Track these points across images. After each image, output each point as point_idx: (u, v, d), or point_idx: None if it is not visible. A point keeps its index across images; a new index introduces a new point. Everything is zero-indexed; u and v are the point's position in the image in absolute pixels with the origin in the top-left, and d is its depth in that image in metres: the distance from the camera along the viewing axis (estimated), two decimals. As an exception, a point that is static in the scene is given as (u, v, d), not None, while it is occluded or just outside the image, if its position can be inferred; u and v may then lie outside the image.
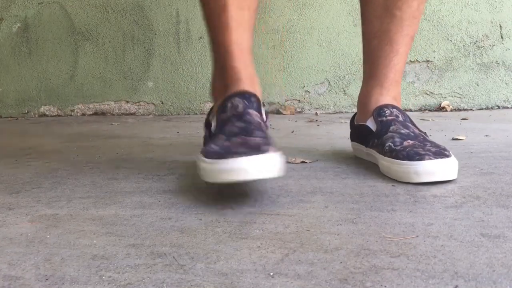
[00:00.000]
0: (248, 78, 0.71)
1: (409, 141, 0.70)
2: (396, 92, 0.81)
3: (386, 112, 0.77)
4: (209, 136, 0.69)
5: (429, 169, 0.64)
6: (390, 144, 0.71)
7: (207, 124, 0.74)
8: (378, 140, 0.75)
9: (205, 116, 0.81)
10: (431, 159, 0.64)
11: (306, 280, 0.38)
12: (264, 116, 0.70)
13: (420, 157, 0.65)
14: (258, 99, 0.69)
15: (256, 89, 0.71)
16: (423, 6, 0.79)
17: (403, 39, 0.79)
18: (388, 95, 0.80)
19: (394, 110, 0.77)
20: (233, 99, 0.67)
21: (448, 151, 0.67)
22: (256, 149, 0.55)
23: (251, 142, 0.57)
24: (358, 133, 0.83)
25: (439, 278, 0.37)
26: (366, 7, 0.81)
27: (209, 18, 0.74)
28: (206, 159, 0.57)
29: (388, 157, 0.70)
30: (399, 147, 0.69)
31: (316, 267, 0.40)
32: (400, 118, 0.76)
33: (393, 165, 0.68)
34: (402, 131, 0.73)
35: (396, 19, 0.78)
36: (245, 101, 0.67)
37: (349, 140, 0.89)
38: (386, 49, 0.80)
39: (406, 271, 0.39)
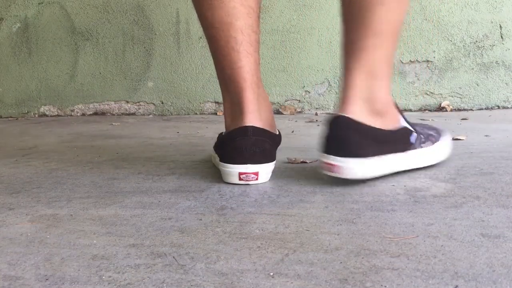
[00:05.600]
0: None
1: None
2: None
3: None
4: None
5: None
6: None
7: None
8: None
9: (205, 116, 0.80)
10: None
11: (306, 280, 0.38)
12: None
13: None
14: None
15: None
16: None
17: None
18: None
19: None
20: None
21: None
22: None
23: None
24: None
25: (439, 278, 0.37)
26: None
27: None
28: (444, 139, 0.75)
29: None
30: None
31: (316, 267, 0.40)
32: None
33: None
34: None
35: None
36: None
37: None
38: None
39: (406, 271, 0.39)
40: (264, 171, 0.68)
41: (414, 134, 0.71)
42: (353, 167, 0.63)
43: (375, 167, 0.65)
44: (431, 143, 0.74)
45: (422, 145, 0.73)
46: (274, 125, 0.76)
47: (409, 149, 0.70)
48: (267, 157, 0.69)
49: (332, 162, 0.64)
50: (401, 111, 0.73)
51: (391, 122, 0.69)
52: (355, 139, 0.64)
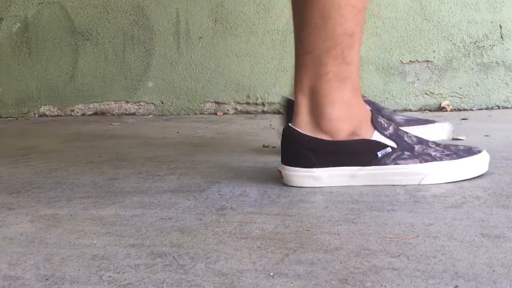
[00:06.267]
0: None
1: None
2: None
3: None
4: (395, 151, 0.67)
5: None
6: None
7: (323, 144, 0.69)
8: None
9: (205, 116, 0.80)
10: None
11: (306, 280, 0.38)
12: None
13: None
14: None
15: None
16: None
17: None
18: None
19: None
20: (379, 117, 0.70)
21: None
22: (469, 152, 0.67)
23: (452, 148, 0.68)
24: None
25: (439, 278, 0.37)
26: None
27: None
28: (449, 161, 0.66)
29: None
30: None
31: (316, 267, 0.40)
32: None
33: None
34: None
35: None
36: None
37: None
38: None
39: (406, 271, 0.38)
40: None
41: (387, 149, 0.67)
42: (291, 175, 0.67)
43: (317, 178, 0.67)
44: (420, 161, 0.66)
45: (400, 161, 0.66)
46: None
47: (374, 164, 0.67)
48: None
49: (279, 169, 0.69)
50: (380, 123, 0.69)
51: (349, 135, 0.68)
52: (296, 149, 0.67)
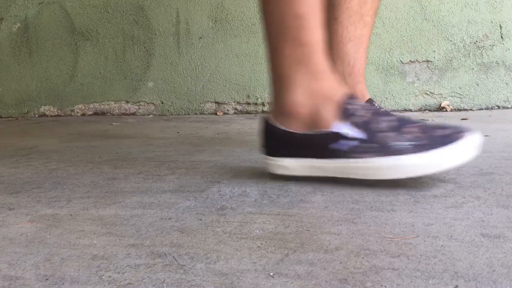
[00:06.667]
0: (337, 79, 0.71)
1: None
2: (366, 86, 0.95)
3: (376, 105, 0.88)
4: (360, 141, 0.63)
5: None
6: None
7: (285, 136, 0.69)
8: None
9: (205, 116, 0.81)
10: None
11: (306, 280, 0.38)
12: None
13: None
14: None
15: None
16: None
17: (369, 42, 0.94)
18: (366, 89, 0.93)
19: (377, 103, 0.90)
20: (355, 101, 0.67)
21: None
22: (450, 140, 0.60)
23: (435, 134, 0.62)
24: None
25: (439, 278, 0.37)
26: (341, 14, 0.91)
27: (285, 20, 0.68)
28: (413, 154, 0.61)
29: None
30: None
31: (316, 267, 0.40)
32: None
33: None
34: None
35: (368, 25, 0.92)
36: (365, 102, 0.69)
37: None
38: (361, 51, 0.92)
39: (406, 271, 0.39)
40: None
41: (348, 142, 0.64)
42: (270, 163, 0.71)
43: (289, 168, 0.68)
44: (384, 155, 0.62)
45: (361, 155, 0.63)
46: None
47: (330, 157, 0.65)
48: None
49: (262, 158, 0.73)
50: (348, 111, 0.65)
51: (308, 120, 0.67)
52: (270, 140, 0.70)
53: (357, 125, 0.64)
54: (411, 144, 0.62)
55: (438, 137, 0.62)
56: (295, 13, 0.66)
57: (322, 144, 0.65)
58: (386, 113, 0.66)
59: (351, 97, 0.67)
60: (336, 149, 0.64)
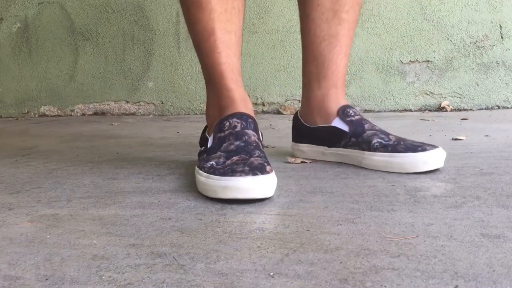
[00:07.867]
0: (242, 100, 0.75)
1: (391, 136, 0.77)
2: (345, 92, 0.89)
3: (350, 112, 0.82)
4: (205, 152, 0.70)
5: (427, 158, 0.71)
6: (379, 140, 0.76)
7: (203, 140, 0.76)
8: (358, 139, 0.78)
9: (205, 116, 0.81)
10: (426, 150, 0.71)
11: (306, 280, 0.38)
12: (260, 136, 0.73)
13: (422, 148, 0.72)
14: (254, 120, 0.73)
15: (250, 110, 0.75)
16: (360, 11, 0.87)
17: (349, 41, 0.85)
18: (344, 96, 0.86)
19: (355, 109, 0.84)
20: (231, 119, 0.71)
21: (421, 143, 0.74)
22: (260, 169, 0.59)
23: (255, 162, 0.62)
24: (317, 134, 0.85)
25: (439, 278, 0.37)
26: (312, 11, 0.84)
27: (198, 43, 0.77)
28: (212, 175, 0.61)
29: (383, 151, 0.74)
30: (391, 142, 0.75)
31: (316, 267, 0.40)
32: (364, 117, 0.83)
33: (395, 158, 0.73)
34: (377, 128, 0.79)
35: (344, 22, 0.83)
36: (243, 122, 0.71)
37: None
38: (336, 51, 0.84)
39: (406, 271, 0.39)
40: None
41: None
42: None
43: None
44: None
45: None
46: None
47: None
48: None
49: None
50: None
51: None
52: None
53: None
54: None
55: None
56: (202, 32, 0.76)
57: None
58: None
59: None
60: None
